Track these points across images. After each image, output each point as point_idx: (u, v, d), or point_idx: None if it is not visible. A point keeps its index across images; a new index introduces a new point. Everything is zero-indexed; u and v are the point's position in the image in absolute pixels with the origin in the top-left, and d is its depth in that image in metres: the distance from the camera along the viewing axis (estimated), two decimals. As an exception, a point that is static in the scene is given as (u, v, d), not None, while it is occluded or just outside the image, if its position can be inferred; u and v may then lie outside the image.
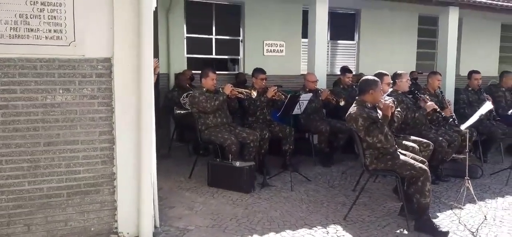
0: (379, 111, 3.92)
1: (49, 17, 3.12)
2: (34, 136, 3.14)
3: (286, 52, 8.63)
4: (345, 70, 7.02)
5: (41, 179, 3.19)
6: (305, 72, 6.88)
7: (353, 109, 3.90)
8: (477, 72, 6.35)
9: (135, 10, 3.19)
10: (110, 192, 3.35)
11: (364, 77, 4.08)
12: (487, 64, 10.37)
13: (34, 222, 3.19)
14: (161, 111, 7.08)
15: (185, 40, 7.86)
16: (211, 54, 8.21)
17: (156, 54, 7.42)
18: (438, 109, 5.03)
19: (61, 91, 3.18)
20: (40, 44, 3.11)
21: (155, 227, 3.56)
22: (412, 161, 3.73)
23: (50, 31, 3.13)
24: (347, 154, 6.22)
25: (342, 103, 6.08)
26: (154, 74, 4.49)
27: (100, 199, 3.34)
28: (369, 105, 3.91)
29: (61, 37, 3.16)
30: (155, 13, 7.27)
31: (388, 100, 3.89)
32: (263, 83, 5.67)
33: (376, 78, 3.98)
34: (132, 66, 3.24)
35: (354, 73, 8.02)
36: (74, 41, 3.19)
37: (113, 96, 3.27)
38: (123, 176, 3.32)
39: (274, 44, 8.52)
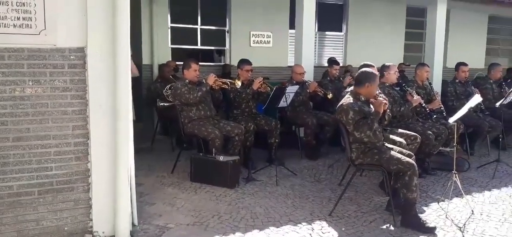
0: (371, 106, 3.79)
1: (18, 3, 2.91)
2: (2, 131, 2.95)
3: (274, 43, 8.50)
4: (332, 62, 6.92)
5: (11, 177, 3.00)
6: (293, 64, 6.75)
7: (345, 100, 3.76)
8: (465, 64, 6.28)
9: (110, -4, 3.01)
10: (85, 190, 3.18)
11: (363, 69, 3.93)
12: (475, 56, 10.37)
13: (3, 222, 3.00)
14: (144, 103, 6.91)
15: (169, 30, 7.69)
16: (197, 44, 8.03)
17: (138, 45, 7.26)
18: (424, 104, 4.95)
19: (30, 83, 2.99)
20: (8, 33, 2.91)
21: (133, 225, 3.41)
22: (399, 156, 3.63)
23: (18, 18, 2.93)
24: (334, 147, 6.12)
25: (330, 96, 5.98)
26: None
27: (74, 197, 3.17)
28: (363, 98, 3.77)
29: (31, 25, 2.97)
30: (138, 1, 7.12)
31: (382, 97, 3.73)
32: (249, 75, 5.51)
33: (374, 72, 3.84)
34: (107, 56, 3.06)
35: (341, 64, 7.94)
36: (45, 29, 2.99)
37: (87, 88, 3.08)
38: (98, 173, 3.16)
39: (261, 35, 8.38)
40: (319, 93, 6.05)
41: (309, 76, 6.37)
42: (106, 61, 3.07)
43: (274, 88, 5.14)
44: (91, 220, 3.20)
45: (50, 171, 3.08)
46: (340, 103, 3.79)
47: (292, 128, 6.46)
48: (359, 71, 3.93)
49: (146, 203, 3.99)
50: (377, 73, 3.83)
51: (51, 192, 3.10)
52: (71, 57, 3.06)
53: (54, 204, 3.12)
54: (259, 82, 5.32)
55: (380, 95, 3.80)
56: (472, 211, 3.97)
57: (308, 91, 5.96)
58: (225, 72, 7.72)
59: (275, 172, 4.79)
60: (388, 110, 3.90)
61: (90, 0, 3.00)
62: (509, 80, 7.27)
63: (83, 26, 3.03)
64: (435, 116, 5.17)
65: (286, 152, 5.84)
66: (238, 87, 5.15)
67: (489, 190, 4.60)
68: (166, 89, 5.94)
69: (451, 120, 4.18)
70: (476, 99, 4.37)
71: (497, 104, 5.60)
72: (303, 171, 5.22)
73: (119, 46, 3.03)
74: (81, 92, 3.09)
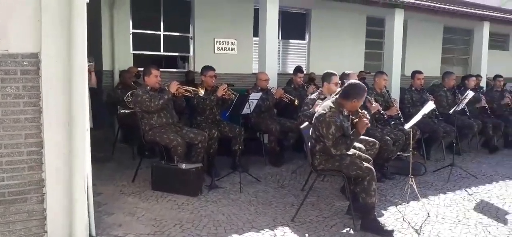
0: (349, 118, 3.79)
1: (-35, 7, 2.79)
2: None
3: (238, 50, 8.54)
4: (297, 70, 7.03)
5: (-43, 188, 2.85)
6: (257, 71, 6.81)
7: (328, 110, 3.61)
8: (420, 72, 6.54)
9: (66, 0, 2.93)
10: (39, 200, 3.06)
11: (353, 81, 3.80)
12: (430, 65, 10.85)
13: None
14: (104, 110, 6.75)
15: (131, 35, 7.58)
16: (159, 51, 7.95)
17: (99, 50, 7.09)
18: (382, 111, 5.12)
19: (-20, 90, 2.86)
20: (-45, 37, 2.78)
21: (91, 236, 3.31)
22: (358, 161, 3.73)
23: (-34, 22, 2.80)
24: (297, 153, 6.20)
25: (296, 102, 6.08)
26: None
27: (28, 208, 3.04)
28: (345, 112, 3.70)
29: (-20, 30, 2.84)
30: (98, 6, 6.97)
31: (366, 115, 3.66)
32: (213, 81, 5.51)
33: (364, 87, 3.72)
34: (62, 62, 2.98)
35: (305, 72, 8.07)
36: (-4, 34, 2.88)
37: (41, 95, 2.99)
38: (53, 182, 3.05)
39: (225, 42, 8.41)
40: (284, 100, 6.15)
41: (273, 83, 6.45)
42: (61, 66, 2.98)
43: (237, 95, 5.17)
44: (46, 232, 3.09)
45: (1, 181, 2.95)
46: (322, 112, 3.65)
47: (257, 134, 6.50)
48: (348, 82, 3.77)
49: (104, 213, 3.88)
50: (365, 89, 3.72)
51: (3, 204, 2.97)
52: (24, 63, 2.96)
53: (6, 216, 2.99)
54: (223, 90, 5.32)
55: (364, 114, 3.65)
56: (428, 213, 4.13)
57: (275, 97, 6.03)
58: (188, 79, 7.67)
59: (239, 179, 4.80)
60: None
61: (45, 4, 2.92)
62: (462, 88, 7.64)
63: (37, 31, 2.94)
64: (393, 122, 5.37)
65: (250, 159, 5.87)
66: (201, 94, 5.13)
67: (444, 193, 4.81)
68: (127, 95, 5.84)
69: (407, 126, 4.35)
70: (429, 106, 4.57)
71: (451, 110, 5.89)
72: (267, 177, 5.27)
73: (75, 52, 2.97)
74: (34, 99, 2.99)
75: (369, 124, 3.70)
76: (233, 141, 5.45)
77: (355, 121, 3.81)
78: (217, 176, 4.96)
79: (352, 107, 3.70)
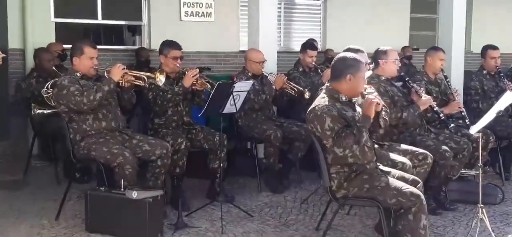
0: (357, 107, 3.91)
1: None
2: None
3: (217, 17, 8.59)
4: (306, 45, 7.05)
5: None
6: (247, 48, 6.83)
7: (319, 101, 3.85)
8: (495, 47, 6.57)
9: None
10: None
11: (340, 55, 4.02)
12: (510, 37, 10.90)
13: None
14: (12, 110, 6.74)
15: (52, -5, 7.59)
16: (96, 18, 7.96)
17: (2, 20, 7.08)
18: (435, 107, 5.14)
19: None
20: None
21: None
22: (399, 184, 3.76)
23: None
24: (308, 172, 6.26)
25: (307, 95, 6.10)
26: None
27: None
28: (343, 98, 3.86)
29: None
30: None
31: (373, 94, 3.83)
32: (177, 64, 5.53)
33: (358, 58, 3.94)
34: None
35: (319, 49, 8.12)
36: None
37: None
38: None
39: (197, 4, 8.44)
40: (289, 91, 6.19)
41: (271, 67, 6.48)
42: None
43: (216, 84, 5.18)
44: None
45: None
46: (312, 106, 3.89)
47: (247, 144, 6.51)
48: (335, 58, 4.05)
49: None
50: (362, 59, 3.93)
51: None
52: None
53: None
54: (193, 76, 5.34)
55: (369, 91, 3.88)
56: (508, 262, 4.19)
57: (274, 88, 6.06)
58: (140, 60, 7.69)
59: (220, 213, 4.81)
60: (384, 112, 3.99)
61: None
62: (558, 70, 7.72)
63: None
64: (453, 124, 5.40)
65: (237, 182, 5.91)
66: (160, 83, 5.14)
67: (532, 230, 4.88)
68: (47, 87, 5.84)
69: (473, 130, 4.38)
70: (507, 98, 4.60)
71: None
72: (262, 210, 5.31)
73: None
74: None
75: (379, 102, 3.81)
76: (210, 155, 5.48)
77: None
78: (186, 210, 5.00)
79: (350, 88, 3.86)
